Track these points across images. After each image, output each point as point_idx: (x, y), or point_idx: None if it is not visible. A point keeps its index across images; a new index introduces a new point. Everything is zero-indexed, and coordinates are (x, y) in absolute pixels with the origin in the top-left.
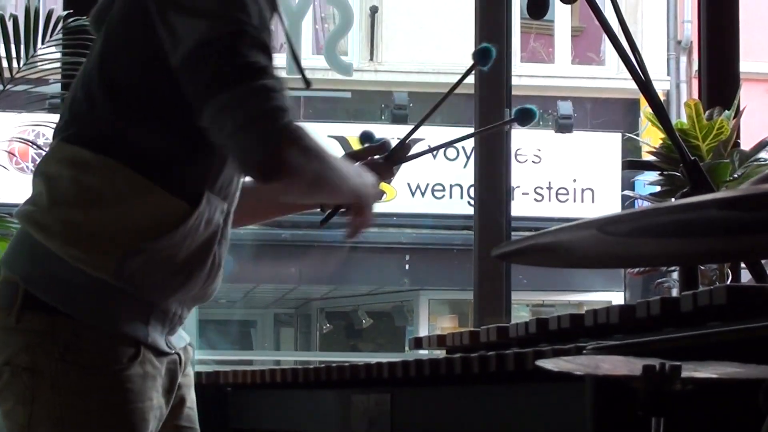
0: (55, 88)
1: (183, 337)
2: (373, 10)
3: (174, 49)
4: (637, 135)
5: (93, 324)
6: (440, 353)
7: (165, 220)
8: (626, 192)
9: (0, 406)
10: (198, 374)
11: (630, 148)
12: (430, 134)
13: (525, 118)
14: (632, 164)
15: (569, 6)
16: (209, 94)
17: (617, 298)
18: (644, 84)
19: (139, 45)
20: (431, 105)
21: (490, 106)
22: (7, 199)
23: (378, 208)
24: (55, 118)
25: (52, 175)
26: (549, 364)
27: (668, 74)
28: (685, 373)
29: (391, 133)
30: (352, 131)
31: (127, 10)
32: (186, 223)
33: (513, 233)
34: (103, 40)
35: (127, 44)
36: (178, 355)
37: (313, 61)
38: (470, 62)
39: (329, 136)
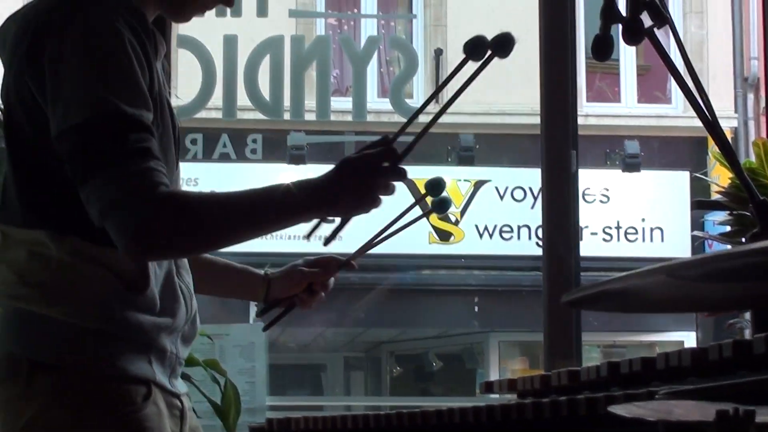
0: None
1: (183, 385)
2: (438, 53)
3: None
4: (706, 173)
5: (101, 371)
6: (511, 397)
7: (125, 267)
8: (696, 232)
9: None
10: (269, 421)
11: (698, 186)
12: (498, 176)
13: (438, 203)
14: (701, 204)
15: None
16: (77, 184)
17: (689, 338)
18: (711, 123)
19: (26, 120)
20: (497, 145)
21: (556, 147)
22: None
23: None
24: None
25: (11, 260)
26: (621, 409)
27: (736, 111)
28: (759, 418)
29: (458, 174)
30: (418, 174)
31: (17, 88)
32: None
33: (582, 273)
34: (4, 119)
35: (17, 118)
36: (181, 401)
37: (378, 105)
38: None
39: None
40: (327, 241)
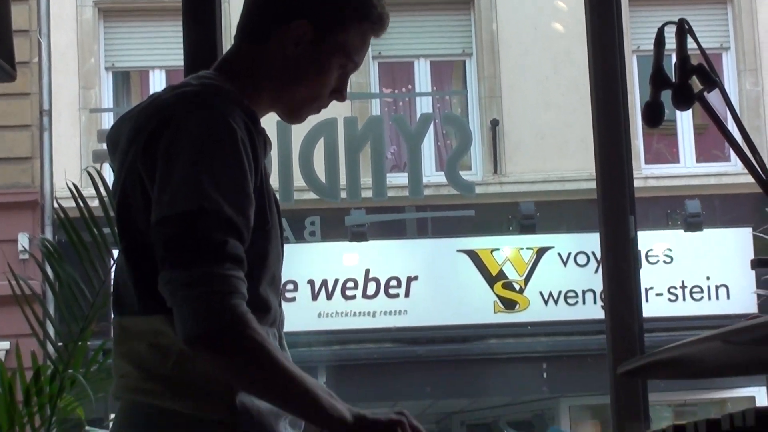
0: None
1: None
2: (494, 123)
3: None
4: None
5: None
6: None
7: None
8: (759, 291)
9: None
10: None
11: (761, 244)
12: (560, 242)
13: None
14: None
15: None
16: (161, 266)
17: (760, 393)
18: (764, 182)
19: (141, 210)
20: (558, 212)
21: (614, 212)
22: None
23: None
24: None
25: (132, 353)
26: None
27: None
28: None
29: (520, 243)
30: (479, 244)
31: (131, 179)
32: None
33: (649, 335)
34: (117, 210)
35: (133, 210)
36: None
37: (436, 178)
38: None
39: (458, 250)
40: None
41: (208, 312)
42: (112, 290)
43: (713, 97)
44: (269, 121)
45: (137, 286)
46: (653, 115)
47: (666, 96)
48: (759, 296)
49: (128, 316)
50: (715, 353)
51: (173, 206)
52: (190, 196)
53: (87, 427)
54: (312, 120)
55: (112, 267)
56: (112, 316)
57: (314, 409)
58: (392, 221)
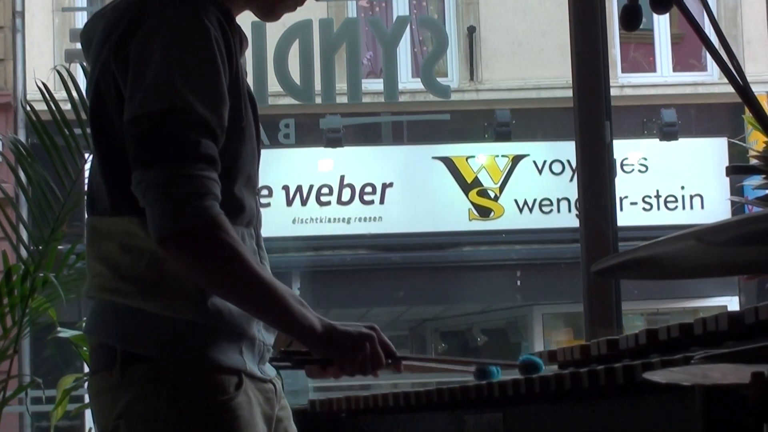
0: None
1: (272, 369)
2: (471, 30)
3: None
4: (743, 139)
5: (195, 362)
6: (552, 368)
7: None
8: (732, 198)
9: None
10: (312, 402)
11: (736, 152)
12: (535, 150)
13: (530, 369)
14: (735, 169)
15: (667, 13)
16: (134, 165)
17: (732, 303)
18: (743, 89)
19: (115, 110)
20: (534, 120)
21: (590, 118)
22: None
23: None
24: None
25: (104, 254)
26: (657, 376)
27: None
28: None
29: (495, 150)
30: (455, 152)
31: (104, 79)
32: None
33: (622, 243)
34: (90, 109)
35: (107, 110)
36: (273, 384)
37: (411, 85)
38: None
39: (434, 157)
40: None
41: (179, 212)
42: (86, 190)
43: (691, 4)
44: (243, 22)
45: (109, 187)
46: (630, 18)
47: (644, 1)
48: (733, 204)
49: (100, 217)
50: (690, 253)
51: (145, 105)
52: (162, 95)
53: (59, 328)
54: (286, 21)
55: (83, 168)
56: (86, 216)
57: (284, 316)
58: (368, 128)
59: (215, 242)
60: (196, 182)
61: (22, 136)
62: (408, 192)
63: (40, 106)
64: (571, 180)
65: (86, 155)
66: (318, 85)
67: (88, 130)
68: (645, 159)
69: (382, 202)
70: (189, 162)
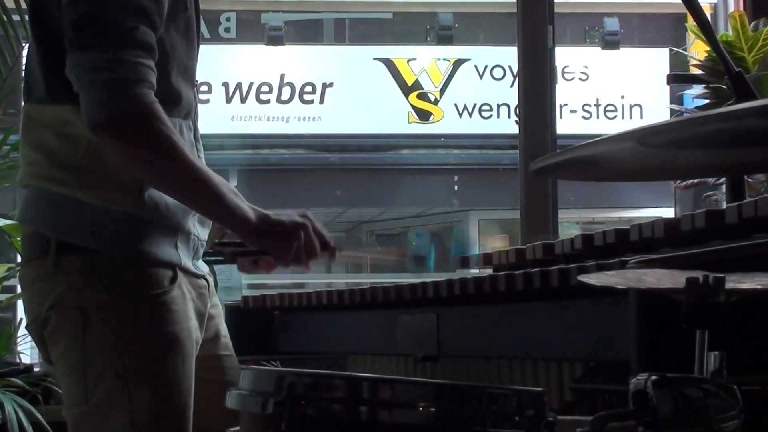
0: None
1: (205, 265)
2: None
3: None
4: (685, 49)
5: (129, 255)
6: (487, 272)
7: None
8: (673, 106)
9: (51, 350)
10: (245, 299)
11: (677, 63)
12: (477, 55)
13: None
14: (677, 78)
15: None
16: (69, 48)
17: (667, 213)
18: None
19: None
20: (476, 24)
21: (533, 22)
22: None
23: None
24: None
25: (40, 142)
26: (592, 279)
27: None
28: (728, 285)
29: (437, 54)
30: (396, 53)
31: None
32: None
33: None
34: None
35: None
36: (206, 280)
37: None
38: None
39: (375, 59)
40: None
41: (112, 97)
42: (23, 78)
43: None
44: None
45: (46, 74)
46: None
47: None
48: (672, 113)
49: (36, 104)
50: (629, 155)
51: None
52: None
53: None
54: None
55: (21, 56)
56: (22, 105)
57: (218, 205)
58: (309, 27)
59: (148, 129)
60: (131, 68)
61: None
62: (348, 93)
63: None
64: (512, 86)
65: (24, 44)
66: None
67: (27, 18)
68: (586, 67)
69: (321, 102)
70: (125, 47)
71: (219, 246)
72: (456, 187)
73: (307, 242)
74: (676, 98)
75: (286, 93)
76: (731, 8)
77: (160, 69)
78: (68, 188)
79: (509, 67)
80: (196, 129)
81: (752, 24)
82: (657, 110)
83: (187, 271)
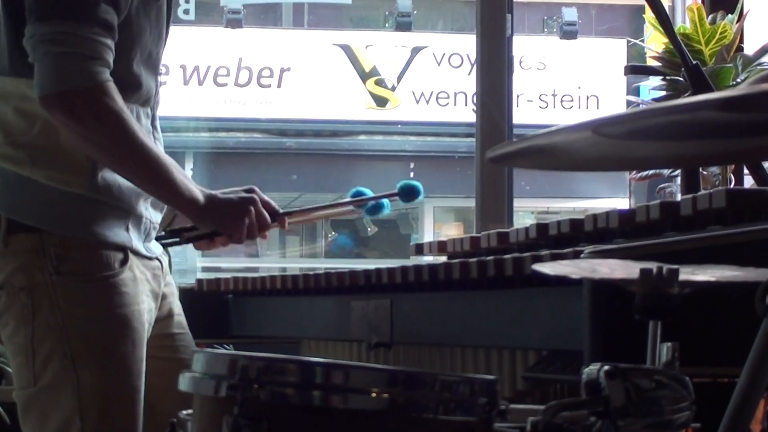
0: None
1: (158, 246)
2: None
3: None
4: (643, 41)
5: (79, 235)
6: (442, 259)
7: None
8: (630, 97)
9: (1, 331)
10: (199, 282)
11: (635, 54)
12: (434, 41)
13: (409, 194)
14: (634, 69)
15: None
16: (28, 17)
17: (622, 204)
18: None
19: None
20: (435, 12)
21: (491, 10)
22: None
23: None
24: None
25: None
26: (546, 268)
27: None
28: (682, 276)
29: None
30: (354, 39)
31: None
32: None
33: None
34: None
35: None
36: (159, 261)
37: None
38: None
39: (333, 44)
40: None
41: (65, 71)
42: None
43: None
44: None
45: (11, 46)
46: None
47: None
48: (629, 104)
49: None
50: (585, 144)
51: None
52: None
53: None
54: None
55: None
56: None
57: (167, 187)
58: (268, 10)
59: (99, 107)
60: (88, 44)
61: None
62: (306, 77)
63: None
64: (470, 74)
65: None
66: None
67: None
68: (543, 57)
69: (279, 86)
70: (84, 23)
71: (172, 231)
72: (412, 174)
73: (258, 215)
74: (633, 90)
75: (243, 77)
76: (689, 1)
77: (123, 53)
78: (21, 167)
79: (467, 55)
80: (154, 117)
81: (710, 17)
82: (614, 101)
83: (138, 254)
